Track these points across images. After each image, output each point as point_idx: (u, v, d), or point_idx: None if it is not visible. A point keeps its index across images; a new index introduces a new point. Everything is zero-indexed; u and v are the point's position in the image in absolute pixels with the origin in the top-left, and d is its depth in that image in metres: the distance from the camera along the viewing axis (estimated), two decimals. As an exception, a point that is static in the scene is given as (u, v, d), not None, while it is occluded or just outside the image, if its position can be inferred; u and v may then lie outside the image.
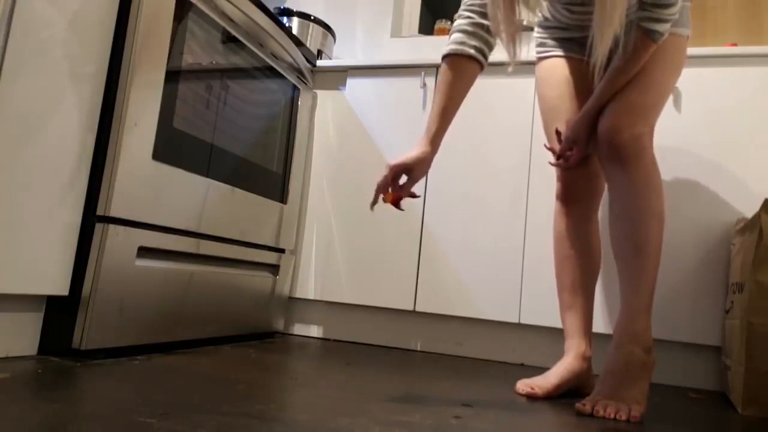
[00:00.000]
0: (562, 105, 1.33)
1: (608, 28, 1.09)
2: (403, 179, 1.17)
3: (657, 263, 1.16)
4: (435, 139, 1.20)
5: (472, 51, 1.21)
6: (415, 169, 1.16)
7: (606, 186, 1.32)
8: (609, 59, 1.23)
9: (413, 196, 1.19)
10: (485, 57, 1.24)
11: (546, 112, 1.36)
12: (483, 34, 1.22)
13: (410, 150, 1.18)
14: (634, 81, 1.19)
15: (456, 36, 1.23)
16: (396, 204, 1.16)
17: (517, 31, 1.20)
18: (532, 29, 1.39)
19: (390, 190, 1.16)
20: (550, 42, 1.38)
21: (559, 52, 1.36)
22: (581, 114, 1.24)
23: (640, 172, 1.15)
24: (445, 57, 1.23)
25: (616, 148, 1.15)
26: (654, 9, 1.11)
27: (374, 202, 1.15)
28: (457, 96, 1.22)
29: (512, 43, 1.20)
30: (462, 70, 1.22)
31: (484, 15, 1.21)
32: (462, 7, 1.25)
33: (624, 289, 1.16)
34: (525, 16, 1.26)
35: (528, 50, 1.81)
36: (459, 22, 1.24)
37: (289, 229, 1.97)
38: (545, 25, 1.39)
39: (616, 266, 1.19)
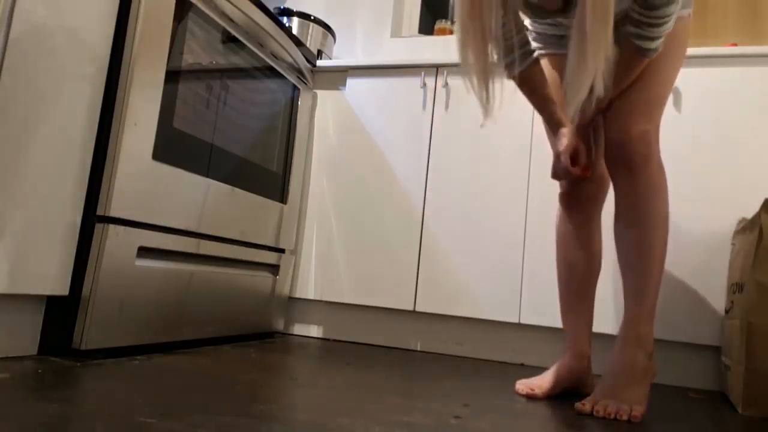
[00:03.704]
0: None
1: (585, 74, 0.99)
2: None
3: (661, 268, 1.15)
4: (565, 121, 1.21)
5: (525, 59, 1.20)
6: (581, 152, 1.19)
7: (610, 187, 1.31)
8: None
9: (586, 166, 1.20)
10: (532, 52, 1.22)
11: None
12: (514, 42, 1.17)
13: (555, 140, 1.22)
14: (636, 78, 1.16)
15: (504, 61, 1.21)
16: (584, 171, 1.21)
17: (491, 73, 1.09)
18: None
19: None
20: (540, 40, 1.35)
21: (550, 50, 1.32)
22: (575, 129, 1.20)
23: (647, 175, 1.14)
24: (515, 78, 1.24)
25: (622, 149, 1.13)
26: (648, 28, 1.07)
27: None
28: (551, 87, 1.24)
29: (485, 87, 1.09)
30: (532, 74, 1.23)
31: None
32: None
33: (628, 293, 1.16)
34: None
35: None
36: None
37: (289, 229, 1.97)
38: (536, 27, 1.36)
39: (620, 270, 1.18)
